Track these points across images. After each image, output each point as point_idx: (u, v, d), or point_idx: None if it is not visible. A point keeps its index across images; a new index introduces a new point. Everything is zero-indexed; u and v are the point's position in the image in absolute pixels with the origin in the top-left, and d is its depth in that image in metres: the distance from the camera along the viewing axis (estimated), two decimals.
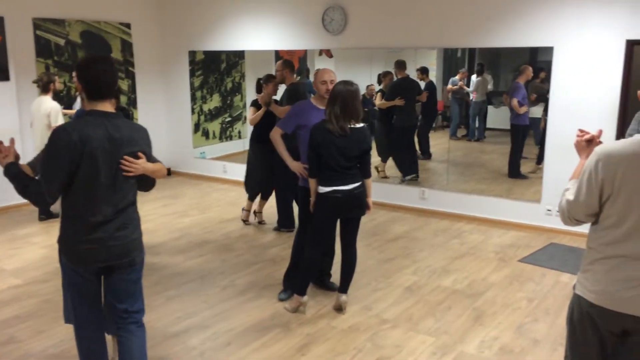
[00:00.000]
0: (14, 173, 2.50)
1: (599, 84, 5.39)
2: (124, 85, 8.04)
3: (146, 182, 2.79)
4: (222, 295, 4.36)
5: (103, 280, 2.74)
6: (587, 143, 2.22)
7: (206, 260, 5.12)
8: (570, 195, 2.10)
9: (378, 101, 7.16)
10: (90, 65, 2.55)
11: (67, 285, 2.77)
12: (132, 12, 8.12)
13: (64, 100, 6.98)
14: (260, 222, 6.19)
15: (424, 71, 7.05)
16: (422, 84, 7.13)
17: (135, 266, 2.75)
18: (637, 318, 1.98)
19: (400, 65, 6.93)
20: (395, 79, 7.10)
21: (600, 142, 2.18)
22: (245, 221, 6.20)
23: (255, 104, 5.85)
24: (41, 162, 2.52)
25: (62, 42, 7.30)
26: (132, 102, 8.17)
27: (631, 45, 5.11)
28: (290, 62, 5.77)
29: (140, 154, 2.64)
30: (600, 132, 2.23)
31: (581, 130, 2.25)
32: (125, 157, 2.57)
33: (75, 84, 6.50)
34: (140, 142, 2.66)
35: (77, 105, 6.58)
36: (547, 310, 4.10)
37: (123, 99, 7.90)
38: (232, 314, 4.04)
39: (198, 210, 6.75)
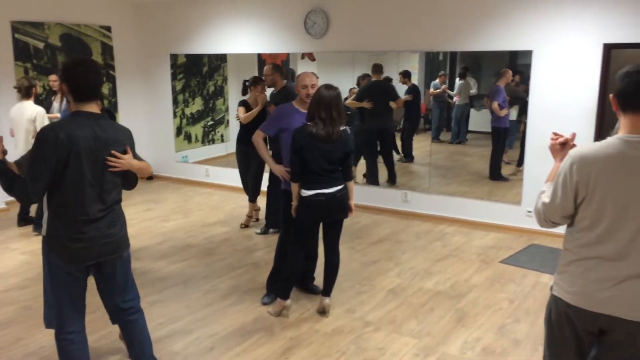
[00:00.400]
0: (1, 170, 2.56)
1: (577, 87, 5.48)
2: (104, 88, 7.96)
3: (130, 180, 2.87)
4: (205, 300, 4.33)
5: (95, 278, 2.84)
6: (561, 146, 2.25)
7: (189, 264, 5.09)
8: (546, 198, 2.13)
9: (349, 102, 7.15)
10: (77, 68, 2.61)
11: (53, 285, 2.76)
12: (112, 15, 8.05)
13: (44, 104, 6.89)
14: (256, 220, 6.31)
15: (406, 75, 7.10)
16: (404, 88, 7.18)
17: (123, 260, 2.86)
18: (612, 318, 2.02)
19: (377, 68, 6.96)
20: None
21: (574, 145, 2.22)
22: (247, 226, 6.20)
23: (244, 104, 5.85)
24: (28, 161, 2.56)
25: (41, 45, 7.21)
26: (113, 106, 8.10)
27: (608, 49, 5.20)
28: (280, 67, 5.77)
29: (127, 148, 2.73)
30: (574, 135, 2.27)
31: (555, 134, 2.29)
32: (113, 151, 2.65)
33: (56, 86, 6.43)
34: (124, 143, 2.75)
35: (54, 109, 6.49)
36: (527, 310, 4.14)
37: (104, 103, 7.82)
38: (215, 319, 4.02)
39: (181, 215, 6.71)
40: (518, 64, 6.36)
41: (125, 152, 2.74)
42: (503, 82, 6.45)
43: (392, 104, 7.06)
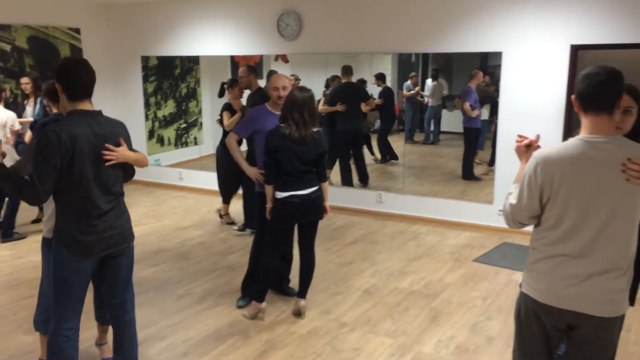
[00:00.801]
0: (5, 174, 2.63)
1: (546, 88, 5.58)
2: None
3: (127, 172, 2.95)
4: (179, 305, 4.29)
5: (99, 272, 2.91)
6: (526, 148, 2.29)
7: (162, 269, 5.03)
8: (513, 199, 2.17)
9: (321, 106, 7.17)
10: (71, 67, 2.68)
11: (58, 281, 2.77)
12: (81, 17, 7.91)
13: (12, 107, 6.73)
14: (230, 223, 6.28)
15: (380, 77, 7.13)
16: (378, 90, 7.21)
17: (130, 252, 2.95)
18: (578, 314, 2.07)
19: (347, 70, 6.98)
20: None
21: (538, 147, 2.26)
22: (230, 223, 6.26)
23: (229, 108, 5.81)
24: (33, 164, 2.60)
25: (8, 47, 7.05)
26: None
27: (575, 50, 5.31)
28: (254, 68, 5.75)
29: (120, 140, 2.79)
30: (538, 137, 2.31)
31: (520, 136, 2.32)
32: (106, 145, 2.71)
33: (28, 89, 6.27)
34: (118, 134, 2.83)
35: (28, 114, 6.34)
36: (500, 308, 4.20)
37: None
38: (189, 324, 3.97)
39: (153, 219, 6.62)
40: (489, 65, 6.46)
41: (118, 145, 2.78)
42: (474, 83, 6.53)
43: (363, 106, 7.09)
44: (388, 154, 7.45)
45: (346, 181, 7.06)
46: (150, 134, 8.33)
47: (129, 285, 3.02)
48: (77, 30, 7.87)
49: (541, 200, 2.09)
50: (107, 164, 2.73)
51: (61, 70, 2.68)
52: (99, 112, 2.77)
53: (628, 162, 1.97)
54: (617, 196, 1.99)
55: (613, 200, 2.00)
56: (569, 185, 2.02)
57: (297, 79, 7.40)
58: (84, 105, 2.72)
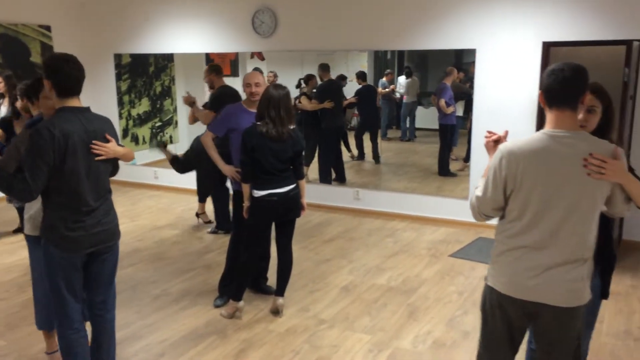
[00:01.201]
0: None
1: (519, 84, 5.66)
2: None
3: (114, 168, 2.99)
4: (155, 305, 4.24)
5: (84, 269, 2.86)
6: (495, 143, 2.32)
7: (137, 269, 4.97)
8: (478, 192, 2.21)
9: (306, 103, 7.15)
10: (61, 64, 2.67)
11: (54, 279, 2.77)
12: (51, 14, 7.75)
13: None
14: (207, 222, 6.23)
15: (359, 75, 7.12)
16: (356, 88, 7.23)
17: (116, 250, 2.96)
18: (540, 304, 2.13)
19: (324, 68, 6.98)
20: (319, 82, 7.14)
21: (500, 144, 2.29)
22: (207, 222, 6.24)
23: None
24: (26, 161, 2.60)
25: None
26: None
27: (547, 46, 5.38)
28: (216, 67, 5.69)
29: (107, 136, 2.81)
30: (507, 132, 2.34)
31: (489, 132, 2.37)
32: (94, 141, 2.73)
33: (1, 88, 6.11)
34: (108, 132, 2.86)
35: (2, 113, 6.17)
36: (475, 302, 4.24)
37: None
38: (165, 324, 3.93)
39: (128, 219, 6.53)
40: (463, 62, 6.52)
41: (106, 140, 2.80)
42: (449, 80, 6.59)
43: (347, 101, 7.12)
44: (372, 153, 7.44)
45: (325, 178, 7.06)
46: (125, 132, 8.21)
47: (113, 283, 3.02)
48: (48, 28, 7.71)
49: (505, 193, 2.13)
50: (97, 158, 2.74)
51: (51, 67, 2.68)
52: (88, 109, 2.78)
53: (589, 157, 2.02)
54: (578, 190, 2.04)
55: (574, 194, 2.04)
56: (532, 178, 2.06)
57: (276, 76, 7.38)
58: (74, 102, 2.72)
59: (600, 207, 2.11)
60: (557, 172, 2.04)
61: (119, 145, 2.88)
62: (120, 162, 3.04)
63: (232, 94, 5.45)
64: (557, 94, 2.06)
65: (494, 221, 2.28)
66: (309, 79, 7.22)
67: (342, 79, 7.19)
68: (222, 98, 5.30)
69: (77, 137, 2.65)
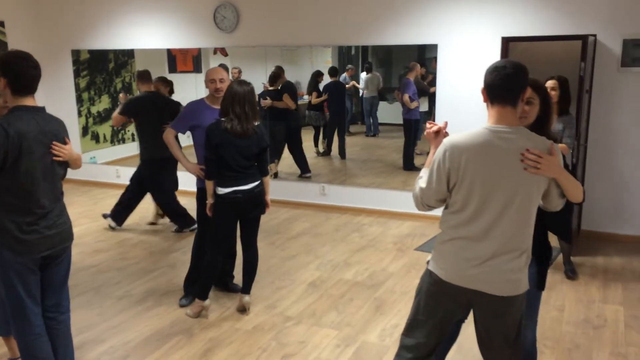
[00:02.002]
0: None
1: (480, 79, 5.73)
2: None
3: (65, 171, 2.91)
4: (118, 306, 4.15)
5: (40, 268, 2.80)
6: (435, 134, 2.39)
7: (100, 270, 4.86)
8: (422, 183, 2.27)
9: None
10: (17, 61, 2.60)
11: (9, 284, 2.70)
12: (5, 9, 7.48)
13: None
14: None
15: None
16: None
17: (69, 252, 2.93)
18: (479, 292, 2.21)
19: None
20: (286, 79, 7.13)
21: (447, 134, 2.37)
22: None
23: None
24: None
25: None
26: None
27: (506, 42, 5.48)
28: (140, 73, 5.70)
29: (66, 139, 2.79)
30: (446, 123, 2.41)
31: (430, 122, 2.43)
32: (54, 142, 2.69)
33: None
34: (62, 132, 2.82)
35: None
36: None
37: None
38: (129, 325, 3.86)
39: (90, 219, 6.38)
40: (426, 58, 6.58)
41: (64, 142, 2.77)
42: (413, 75, 6.65)
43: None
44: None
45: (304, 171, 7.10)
46: (84, 130, 8.01)
47: (66, 285, 2.97)
48: (1, 23, 7.44)
49: (448, 185, 2.20)
50: (55, 158, 2.70)
51: (7, 64, 2.60)
52: (43, 109, 2.72)
53: (526, 152, 2.10)
54: (516, 184, 2.12)
55: (512, 187, 2.12)
56: (473, 172, 2.13)
57: (240, 72, 7.31)
58: (29, 101, 2.66)
59: (537, 201, 2.20)
60: (496, 166, 2.11)
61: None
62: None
63: (147, 100, 5.52)
64: (498, 91, 2.13)
65: (420, 211, 2.37)
66: (276, 77, 7.14)
67: (319, 75, 7.15)
68: (132, 103, 5.54)
69: (33, 137, 2.59)
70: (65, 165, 2.86)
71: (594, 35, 5.21)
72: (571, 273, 4.59)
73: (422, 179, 2.29)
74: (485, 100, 2.20)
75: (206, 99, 4.05)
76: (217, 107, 3.84)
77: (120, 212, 5.93)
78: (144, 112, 5.55)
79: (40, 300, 2.86)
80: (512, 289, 2.19)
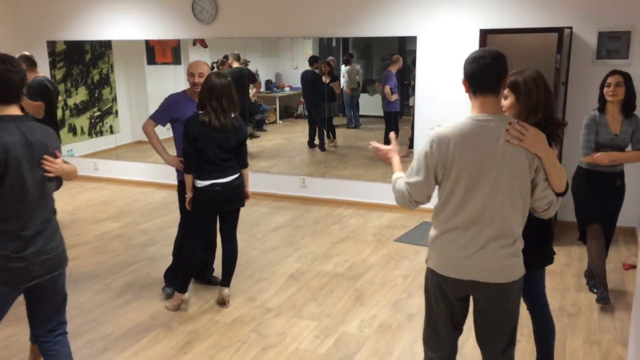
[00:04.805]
0: None
1: (459, 71, 5.76)
2: None
3: (58, 185, 2.72)
4: (96, 300, 4.12)
5: (26, 298, 2.59)
6: (382, 152, 2.50)
7: (77, 264, 4.81)
8: (409, 178, 2.25)
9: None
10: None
11: None
12: None
13: None
14: None
15: (309, 60, 7.07)
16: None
17: (63, 279, 2.65)
18: (476, 282, 2.20)
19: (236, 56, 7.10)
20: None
21: (395, 145, 2.49)
22: None
23: None
24: None
25: None
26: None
27: (484, 34, 5.51)
28: (26, 57, 5.25)
29: (57, 152, 2.53)
30: (393, 136, 2.55)
31: (375, 146, 2.53)
32: (45, 156, 2.45)
33: None
34: (53, 144, 2.54)
35: None
36: (420, 285, 4.34)
37: None
38: (107, 319, 3.83)
39: (67, 213, 6.30)
40: (407, 50, 6.60)
41: (54, 155, 2.51)
42: (395, 67, 6.66)
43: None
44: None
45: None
46: (61, 123, 7.89)
47: (63, 308, 2.71)
48: None
49: (436, 178, 2.20)
50: (46, 174, 2.46)
51: None
52: (29, 117, 2.54)
53: (511, 124, 2.13)
54: (502, 170, 2.12)
55: (498, 175, 2.13)
56: (460, 161, 2.13)
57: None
58: (13, 110, 2.42)
59: (526, 189, 2.17)
60: (482, 155, 2.12)
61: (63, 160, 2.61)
62: None
63: (45, 85, 5.17)
64: (480, 81, 2.14)
65: (407, 208, 2.36)
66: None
67: (315, 60, 7.09)
68: (33, 87, 5.06)
69: (18, 149, 2.34)
70: (58, 180, 2.63)
71: (570, 28, 5.28)
72: (594, 289, 4.14)
73: (402, 178, 2.28)
74: (467, 91, 2.20)
75: (187, 92, 4.02)
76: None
77: None
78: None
79: (31, 326, 2.67)
80: (508, 275, 2.19)
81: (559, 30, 4.93)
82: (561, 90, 5.11)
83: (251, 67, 7.31)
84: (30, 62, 5.23)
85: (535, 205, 2.23)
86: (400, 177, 2.31)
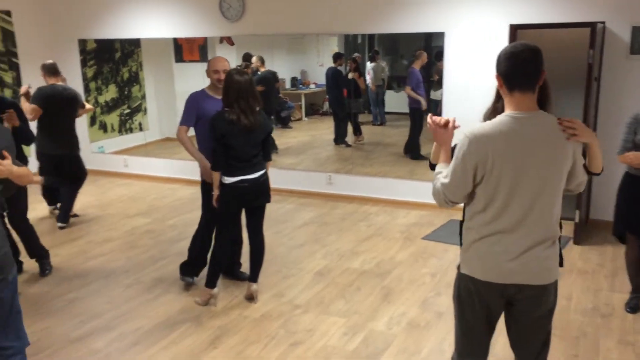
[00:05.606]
0: None
1: (487, 67, 5.70)
2: (7, 77, 7.44)
3: (8, 188, 2.43)
4: (127, 294, 4.19)
5: None
6: (443, 129, 2.27)
7: (109, 259, 4.89)
8: (445, 179, 2.16)
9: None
10: None
11: None
12: None
13: None
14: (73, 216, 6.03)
15: (334, 57, 7.08)
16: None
17: (6, 287, 2.34)
18: (520, 286, 2.14)
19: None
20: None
21: (457, 127, 2.29)
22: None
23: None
24: None
25: None
26: (18, 96, 7.57)
27: (514, 29, 5.44)
28: (43, 65, 5.56)
29: (5, 153, 2.31)
30: (454, 120, 2.29)
31: (432, 117, 2.29)
32: None
33: None
34: (5, 144, 2.35)
35: None
36: (449, 283, 4.31)
37: (7, 93, 7.32)
38: (138, 313, 3.89)
39: (98, 208, 6.42)
40: (433, 46, 6.54)
41: (2, 156, 2.31)
42: (418, 64, 6.61)
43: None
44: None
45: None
46: (92, 120, 8.04)
47: (10, 322, 2.36)
48: (8, 13, 7.45)
49: (475, 179, 2.11)
50: None
51: None
52: None
53: (561, 122, 2.06)
54: (545, 169, 2.06)
55: (541, 174, 2.06)
56: (501, 162, 2.05)
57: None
58: None
59: (563, 185, 2.14)
60: (525, 154, 2.05)
61: (15, 160, 2.37)
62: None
63: (54, 92, 5.40)
64: (518, 78, 2.05)
65: (441, 207, 2.27)
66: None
67: (339, 56, 7.10)
68: (43, 94, 5.34)
69: None
70: (7, 182, 2.38)
71: (603, 23, 5.16)
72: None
73: (442, 174, 2.19)
74: (500, 87, 2.12)
75: (207, 89, 4.03)
76: (219, 96, 3.86)
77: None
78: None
79: None
80: (551, 276, 2.15)
81: (592, 25, 4.82)
82: (594, 86, 5.01)
83: (276, 64, 7.36)
84: (47, 70, 5.52)
85: (570, 188, 2.20)
86: (441, 172, 2.22)
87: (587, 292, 4.13)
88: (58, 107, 5.44)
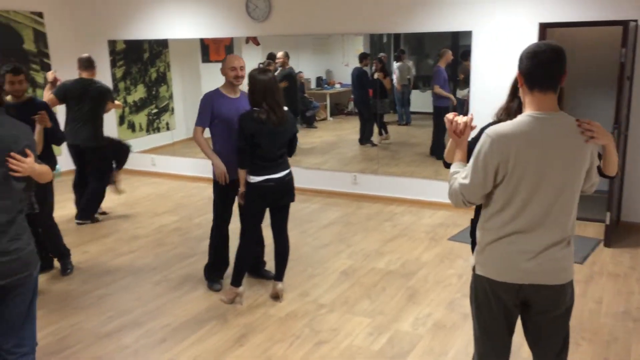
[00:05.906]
0: None
1: (516, 67, 5.62)
2: (39, 78, 7.62)
3: (29, 186, 2.47)
4: (156, 291, 4.25)
5: None
6: (461, 129, 2.25)
7: (137, 256, 4.97)
8: (464, 179, 2.13)
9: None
10: None
11: None
12: (44, 0, 7.66)
13: None
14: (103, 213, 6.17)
15: (360, 57, 7.08)
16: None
17: (30, 284, 2.43)
18: (537, 286, 2.12)
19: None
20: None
21: (473, 127, 2.27)
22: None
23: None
24: None
25: None
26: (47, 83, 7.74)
27: (544, 28, 5.36)
28: (79, 59, 5.72)
29: (27, 151, 2.37)
30: (472, 117, 2.27)
31: (453, 116, 2.27)
32: (12, 154, 2.30)
33: None
34: (23, 141, 2.39)
35: None
36: None
37: (39, 93, 7.49)
38: (166, 310, 3.95)
39: (126, 206, 6.53)
40: (460, 45, 6.48)
41: (24, 154, 2.37)
42: (443, 62, 6.55)
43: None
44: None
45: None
46: (121, 119, 8.17)
47: (29, 323, 2.46)
48: (40, 15, 7.62)
49: (495, 179, 2.08)
50: (11, 173, 2.29)
51: None
52: (0, 111, 2.37)
53: (580, 125, 2.03)
54: (565, 170, 2.05)
55: (562, 174, 2.05)
56: (523, 162, 2.03)
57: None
58: None
59: (580, 185, 2.12)
60: (546, 155, 2.03)
61: (36, 158, 2.43)
62: None
63: (76, 86, 5.56)
64: (540, 77, 2.02)
65: (458, 207, 2.26)
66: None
67: (364, 57, 7.10)
68: (63, 87, 5.53)
69: None
70: (29, 180, 2.42)
71: (635, 21, 5.04)
72: None
73: (460, 175, 2.17)
74: (521, 86, 2.10)
75: (222, 88, 4.04)
76: (234, 95, 3.89)
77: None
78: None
79: None
80: (567, 275, 2.14)
81: (624, 23, 4.72)
82: (626, 85, 4.90)
83: (301, 64, 7.38)
84: (80, 63, 5.70)
85: (584, 189, 2.18)
86: (458, 172, 2.20)
87: (619, 295, 4.04)
88: (78, 99, 5.58)
